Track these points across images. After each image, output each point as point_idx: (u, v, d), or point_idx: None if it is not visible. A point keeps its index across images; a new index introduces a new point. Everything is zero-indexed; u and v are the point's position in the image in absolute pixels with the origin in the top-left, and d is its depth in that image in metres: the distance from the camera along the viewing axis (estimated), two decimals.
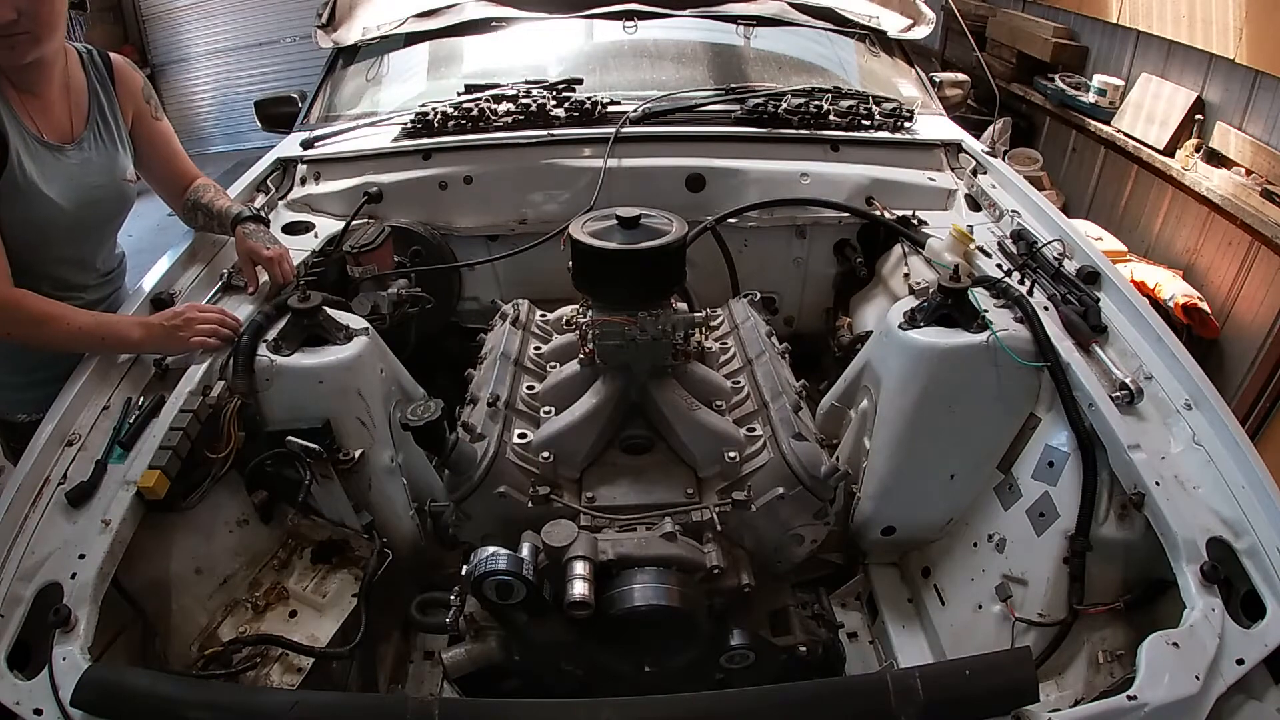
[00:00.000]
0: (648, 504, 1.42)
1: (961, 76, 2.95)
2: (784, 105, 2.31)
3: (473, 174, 2.21)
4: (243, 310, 1.68)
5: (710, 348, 1.74)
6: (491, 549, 1.21)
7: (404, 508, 1.67)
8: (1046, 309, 1.65)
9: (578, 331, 1.55)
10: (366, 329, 1.65)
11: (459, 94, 2.42)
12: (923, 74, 2.82)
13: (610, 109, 2.35)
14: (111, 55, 1.78)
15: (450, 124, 2.30)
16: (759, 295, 1.96)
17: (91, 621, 1.15)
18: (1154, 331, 1.58)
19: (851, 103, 2.39)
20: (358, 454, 1.55)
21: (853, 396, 1.80)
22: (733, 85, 2.53)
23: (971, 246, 1.87)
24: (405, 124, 2.35)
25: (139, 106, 1.80)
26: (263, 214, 1.95)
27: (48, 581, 1.19)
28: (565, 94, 2.39)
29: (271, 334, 1.59)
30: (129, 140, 1.79)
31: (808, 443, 1.44)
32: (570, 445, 1.46)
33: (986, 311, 1.58)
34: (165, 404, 1.45)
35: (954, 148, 2.38)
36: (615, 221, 1.44)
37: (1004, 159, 2.40)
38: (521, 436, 1.47)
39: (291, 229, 2.09)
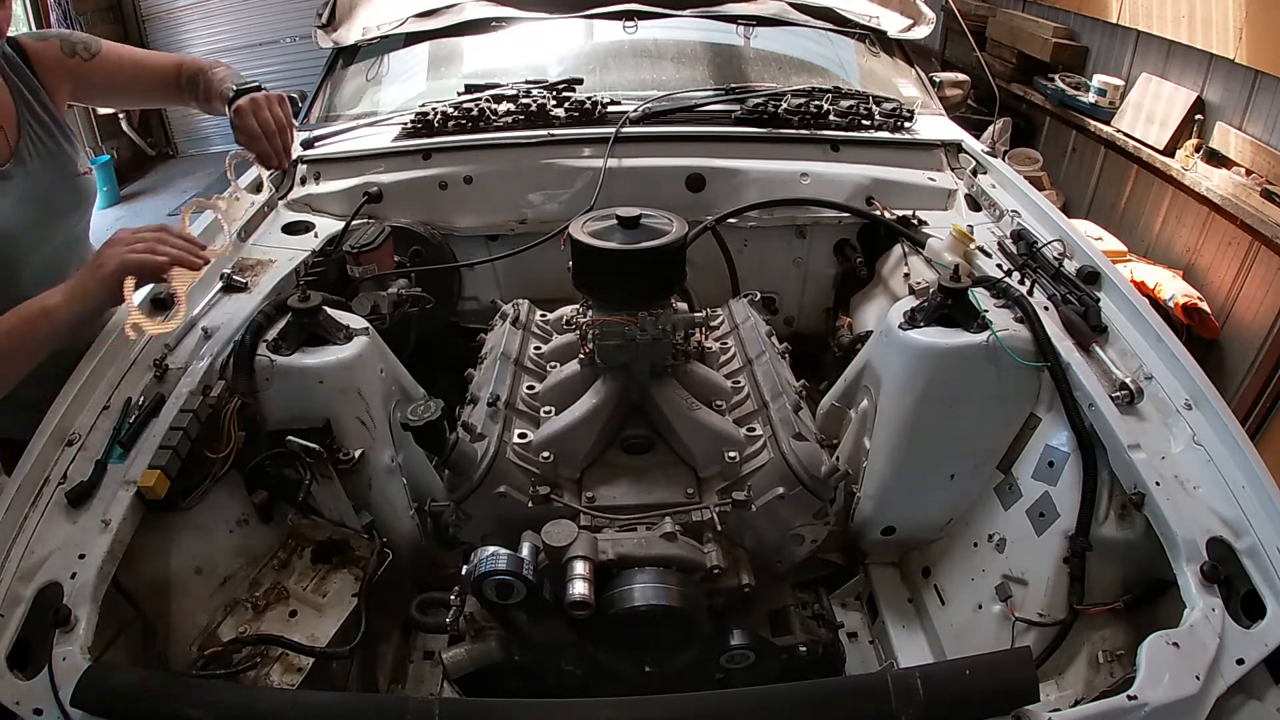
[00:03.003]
0: (648, 504, 1.41)
1: (961, 76, 2.95)
2: (784, 105, 2.30)
3: (473, 174, 2.21)
4: (243, 310, 1.68)
5: (710, 348, 1.73)
6: (491, 549, 1.21)
7: (404, 508, 1.67)
8: (1046, 309, 1.65)
9: (578, 331, 1.55)
10: (366, 329, 1.64)
11: (459, 94, 2.42)
12: (923, 74, 2.82)
13: (610, 109, 2.34)
14: (21, 41, 1.58)
15: (450, 124, 2.29)
16: (759, 295, 1.96)
17: (91, 621, 1.15)
18: (1154, 331, 1.58)
19: (851, 103, 2.38)
20: (358, 454, 1.55)
21: (853, 396, 1.80)
22: (733, 85, 2.52)
23: (971, 246, 1.86)
24: (405, 124, 2.34)
25: (68, 70, 1.62)
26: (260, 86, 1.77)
27: (48, 581, 1.18)
28: (565, 94, 2.39)
29: (271, 334, 1.59)
30: (69, 127, 1.63)
31: (808, 443, 1.44)
32: (570, 445, 1.46)
33: (986, 311, 1.58)
34: (165, 404, 1.44)
35: (954, 148, 2.38)
36: (615, 221, 1.44)
37: (1004, 159, 2.39)
38: (521, 436, 1.47)
39: (291, 229, 2.09)
